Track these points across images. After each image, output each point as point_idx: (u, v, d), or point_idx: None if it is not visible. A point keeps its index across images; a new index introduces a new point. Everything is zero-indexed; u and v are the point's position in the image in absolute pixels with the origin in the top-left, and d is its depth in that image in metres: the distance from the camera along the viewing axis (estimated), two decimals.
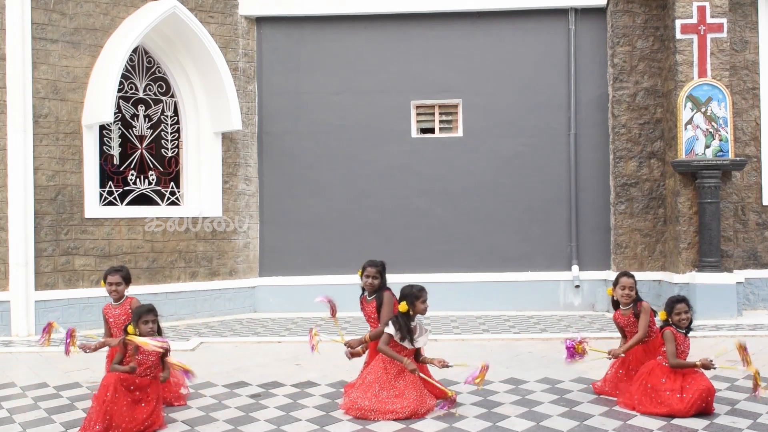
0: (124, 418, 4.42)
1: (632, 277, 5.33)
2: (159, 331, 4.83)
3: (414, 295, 4.94)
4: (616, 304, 5.44)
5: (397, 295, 5.14)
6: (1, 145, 8.45)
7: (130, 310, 5.31)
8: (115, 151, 9.61)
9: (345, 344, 5.35)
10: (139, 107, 9.77)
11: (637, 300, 5.32)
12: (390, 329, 4.90)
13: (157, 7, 9.31)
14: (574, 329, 8.39)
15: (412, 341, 4.93)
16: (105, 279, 5.41)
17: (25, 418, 4.93)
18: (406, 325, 4.91)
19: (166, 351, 4.73)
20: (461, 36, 10.44)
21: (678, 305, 4.90)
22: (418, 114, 10.61)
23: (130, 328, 4.63)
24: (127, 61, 9.27)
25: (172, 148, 10.09)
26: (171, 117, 10.08)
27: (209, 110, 10.05)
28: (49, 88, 8.73)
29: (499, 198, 10.36)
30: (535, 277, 10.28)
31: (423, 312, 4.98)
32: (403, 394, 4.80)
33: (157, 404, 4.67)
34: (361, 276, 5.34)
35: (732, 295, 8.95)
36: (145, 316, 4.73)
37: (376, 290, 5.33)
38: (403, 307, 4.90)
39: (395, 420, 4.69)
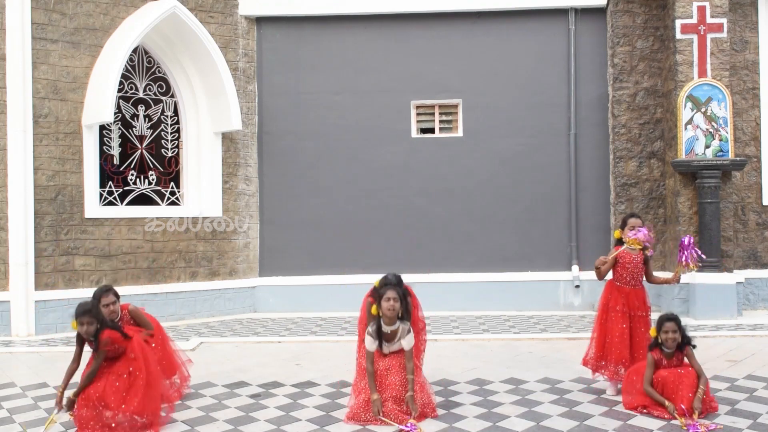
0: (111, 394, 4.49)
1: (640, 218, 5.48)
2: (96, 331, 4.56)
3: (378, 294, 4.74)
4: (618, 243, 5.51)
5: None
6: (1, 145, 8.44)
7: (129, 321, 5.17)
8: (115, 151, 9.61)
9: None
10: (139, 107, 9.77)
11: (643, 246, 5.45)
12: (366, 339, 4.72)
13: (157, 7, 9.31)
14: (574, 329, 8.39)
15: (381, 346, 4.75)
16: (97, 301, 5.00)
17: (25, 418, 4.93)
18: (376, 329, 4.72)
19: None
20: (461, 36, 10.44)
21: (666, 324, 4.83)
22: (418, 114, 10.60)
23: (74, 324, 4.54)
24: (127, 61, 9.26)
25: (172, 148, 10.09)
26: (171, 117, 10.07)
27: (209, 110, 10.05)
28: (49, 88, 8.73)
29: (499, 198, 10.36)
30: (535, 277, 10.28)
31: (386, 312, 4.66)
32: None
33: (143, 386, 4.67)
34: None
35: (732, 295, 8.95)
36: (81, 317, 4.53)
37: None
38: (374, 309, 4.74)
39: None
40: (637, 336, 5.37)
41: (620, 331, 5.36)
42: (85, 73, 9.01)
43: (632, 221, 5.41)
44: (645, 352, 5.07)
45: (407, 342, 4.77)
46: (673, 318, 4.86)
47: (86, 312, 4.55)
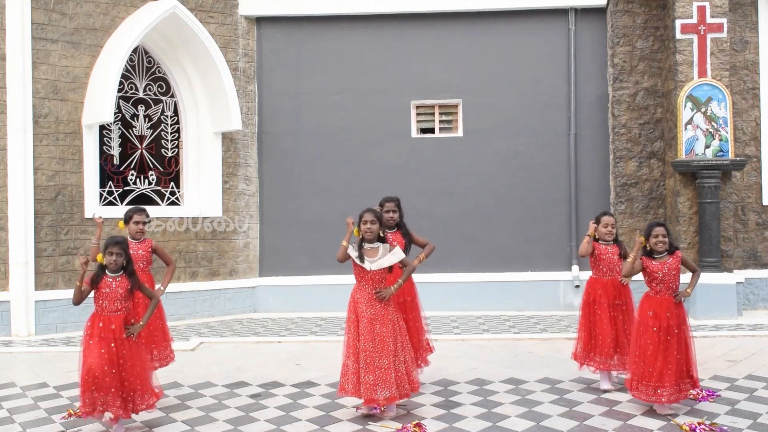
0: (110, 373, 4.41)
1: (613, 216, 5.80)
2: (126, 266, 4.59)
3: (360, 216, 5.05)
4: (595, 240, 5.78)
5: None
6: (1, 145, 8.44)
7: (150, 249, 5.57)
8: (115, 151, 9.61)
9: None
10: (139, 107, 9.77)
11: (618, 240, 5.77)
12: (349, 248, 5.00)
13: (157, 7, 9.31)
14: (574, 329, 8.37)
15: (362, 260, 4.93)
16: (130, 219, 5.57)
17: (25, 418, 4.94)
18: (358, 247, 4.98)
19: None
20: (461, 36, 10.44)
21: (656, 229, 4.92)
22: (418, 114, 10.60)
23: (99, 257, 4.53)
24: (127, 61, 9.26)
25: (172, 148, 10.09)
26: (171, 117, 10.07)
27: (209, 110, 10.05)
28: (49, 88, 8.73)
29: (499, 198, 10.36)
30: (535, 277, 10.27)
31: (365, 234, 4.97)
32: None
33: (143, 361, 4.66)
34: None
35: (732, 295, 8.95)
36: (111, 247, 4.52)
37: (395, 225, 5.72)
38: (356, 231, 5.03)
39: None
40: (619, 324, 5.55)
41: (603, 322, 5.53)
42: (85, 73, 9.01)
43: (605, 219, 5.73)
44: (629, 338, 5.24)
45: (395, 255, 4.99)
46: (662, 224, 4.99)
47: (117, 243, 4.55)
